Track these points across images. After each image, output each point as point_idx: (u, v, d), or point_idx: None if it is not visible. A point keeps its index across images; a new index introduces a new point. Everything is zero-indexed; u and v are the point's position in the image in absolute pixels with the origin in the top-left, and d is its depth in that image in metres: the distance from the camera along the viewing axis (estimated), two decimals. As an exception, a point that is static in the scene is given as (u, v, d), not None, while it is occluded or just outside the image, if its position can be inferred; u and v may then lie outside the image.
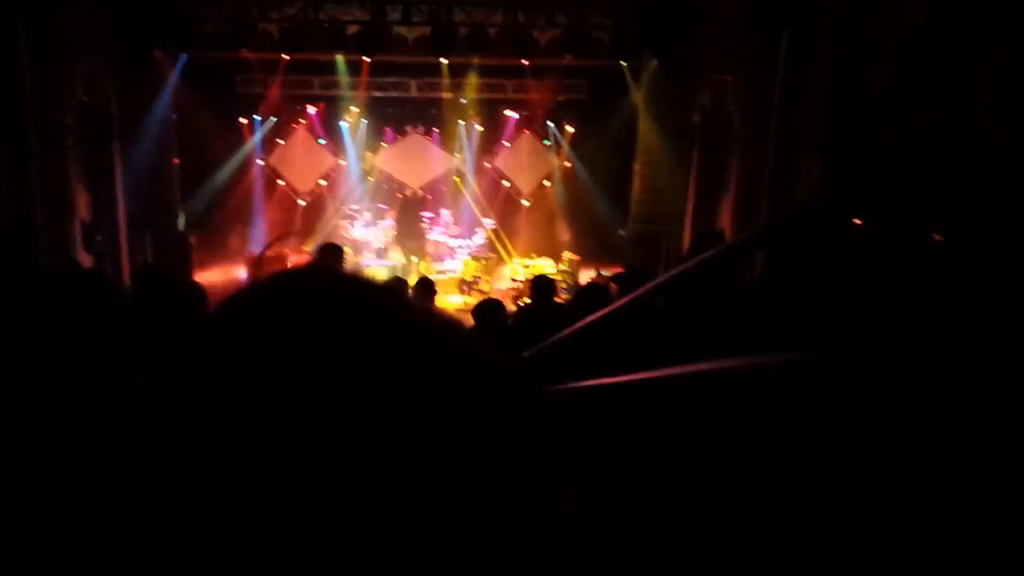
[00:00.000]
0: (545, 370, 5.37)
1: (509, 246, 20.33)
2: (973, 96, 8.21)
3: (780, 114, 12.68)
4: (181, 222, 15.80)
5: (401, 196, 20.27)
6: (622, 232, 18.08)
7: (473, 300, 16.89)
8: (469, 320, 7.27)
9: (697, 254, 4.99)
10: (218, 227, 18.08)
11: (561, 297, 10.36)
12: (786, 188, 13.08)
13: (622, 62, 17.05)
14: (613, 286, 6.94)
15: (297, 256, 17.68)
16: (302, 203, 19.78)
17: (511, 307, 16.14)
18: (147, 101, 14.98)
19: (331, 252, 6.82)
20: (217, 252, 17.91)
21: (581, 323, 4.21)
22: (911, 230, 8.63)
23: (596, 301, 6.19)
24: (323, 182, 19.82)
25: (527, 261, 18.74)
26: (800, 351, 1.62)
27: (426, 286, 6.76)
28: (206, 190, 17.38)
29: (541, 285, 8.09)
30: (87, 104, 12.79)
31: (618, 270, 17.72)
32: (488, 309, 7.48)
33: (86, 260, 12.82)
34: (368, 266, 17.95)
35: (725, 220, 15.03)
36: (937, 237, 10.20)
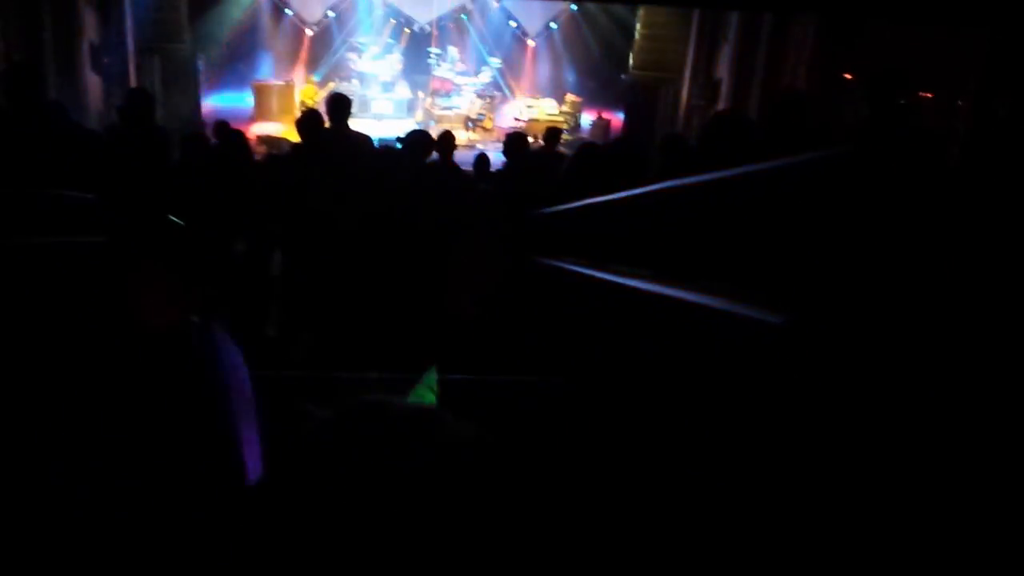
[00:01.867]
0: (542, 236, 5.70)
1: (513, 85, 20.50)
2: None
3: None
4: (189, 46, 15.89)
5: (408, 31, 20.28)
6: (624, 76, 18.20)
7: (477, 137, 17.23)
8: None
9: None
10: (226, 52, 18.20)
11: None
12: (780, 42, 13.26)
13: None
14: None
15: (304, 86, 17.87)
16: (309, 33, 19.78)
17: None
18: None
19: (339, 103, 7.03)
20: (224, 77, 18.12)
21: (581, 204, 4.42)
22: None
23: (592, 162, 6.59)
24: (331, 13, 19.75)
25: (530, 101, 18.94)
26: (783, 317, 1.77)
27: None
28: (214, 16, 17.42)
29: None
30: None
31: (616, 114, 17.99)
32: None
33: (94, 81, 13.13)
34: (374, 99, 18.19)
35: (723, 69, 15.20)
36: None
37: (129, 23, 14.16)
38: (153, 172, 6.13)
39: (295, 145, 7.64)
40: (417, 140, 6.98)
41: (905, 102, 11.19)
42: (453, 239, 6.49)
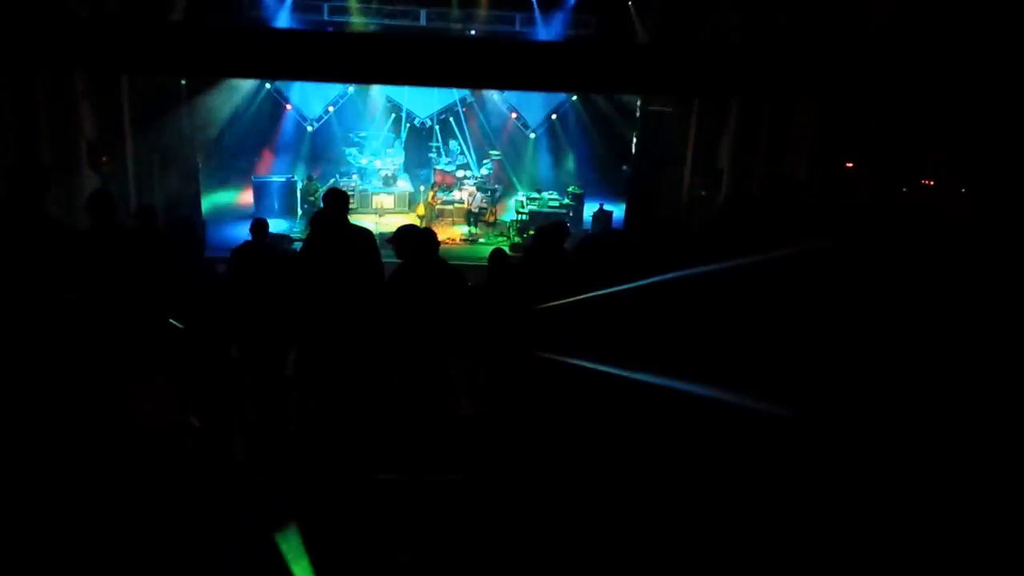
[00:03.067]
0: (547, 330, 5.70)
1: (515, 178, 20.54)
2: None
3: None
4: (188, 143, 15.94)
5: (409, 125, 20.36)
6: (625, 167, 18.20)
7: (479, 231, 17.18)
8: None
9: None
10: (226, 149, 18.25)
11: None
12: (781, 130, 13.24)
13: (628, 1, 17.05)
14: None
15: (304, 182, 17.91)
16: (310, 128, 19.87)
17: (517, 239, 16.48)
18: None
19: (336, 198, 7.01)
20: (225, 173, 18.17)
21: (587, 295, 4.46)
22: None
23: (596, 252, 6.54)
24: (331, 109, 19.87)
25: (532, 193, 18.93)
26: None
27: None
28: (214, 112, 17.52)
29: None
30: (94, 24, 12.90)
31: (618, 205, 17.97)
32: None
33: (92, 179, 13.06)
34: (375, 194, 18.21)
35: (725, 158, 15.17)
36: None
37: (127, 120, 14.14)
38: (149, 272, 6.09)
39: (303, 242, 7.59)
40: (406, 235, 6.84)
41: (907, 190, 11.14)
42: (452, 336, 6.43)
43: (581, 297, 4.79)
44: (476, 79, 13.40)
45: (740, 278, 2.63)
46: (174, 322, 5.94)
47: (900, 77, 10.20)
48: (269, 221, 7.91)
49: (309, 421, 6.69)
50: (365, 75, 12.76)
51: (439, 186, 18.48)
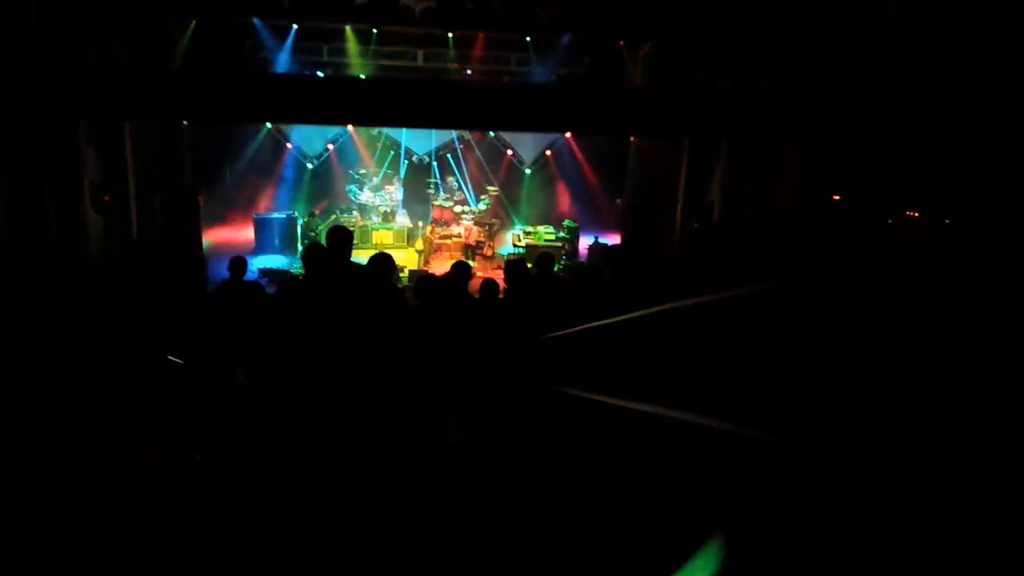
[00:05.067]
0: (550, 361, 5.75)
1: (512, 212, 20.82)
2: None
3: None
4: (190, 182, 16.17)
5: (407, 161, 20.70)
6: (619, 200, 18.44)
7: (477, 264, 17.35)
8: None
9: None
10: (227, 187, 18.51)
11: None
12: (770, 164, 13.48)
13: (620, 41, 17.42)
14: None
15: (305, 219, 18.12)
16: (310, 166, 20.20)
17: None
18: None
19: (340, 236, 7.16)
20: (226, 211, 18.40)
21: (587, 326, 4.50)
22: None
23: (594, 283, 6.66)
24: (331, 146, 20.22)
25: (528, 228, 19.19)
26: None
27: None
28: (215, 151, 17.80)
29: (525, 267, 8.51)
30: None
31: (612, 239, 18.18)
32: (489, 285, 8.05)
33: (95, 220, 13.30)
34: (375, 229, 18.44)
35: (716, 192, 15.42)
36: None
37: (130, 160, 14.39)
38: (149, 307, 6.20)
39: (302, 278, 7.71)
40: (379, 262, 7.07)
41: (892, 221, 11.37)
42: (451, 367, 6.52)
43: (579, 328, 4.83)
44: (469, 121, 13.64)
45: (720, 311, 2.71)
46: (173, 358, 6.02)
47: (881, 116, 10.44)
48: (272, 257, 8.11)
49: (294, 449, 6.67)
50: (368, 119, 12.99)
51: (437, 221, 18.73)
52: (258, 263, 16.03)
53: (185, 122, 15.79)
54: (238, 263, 8.31)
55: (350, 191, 19.27)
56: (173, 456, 5.69)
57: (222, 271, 8.65)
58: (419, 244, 18.10)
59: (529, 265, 11.53)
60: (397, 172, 20.34)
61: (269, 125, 18.94)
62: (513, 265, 8.21)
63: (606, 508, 3.44)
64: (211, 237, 17.06)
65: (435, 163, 20.59)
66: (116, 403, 5.10)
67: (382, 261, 7.13)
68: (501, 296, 8.33)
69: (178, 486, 5.29)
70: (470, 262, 17.22)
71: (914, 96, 10.17)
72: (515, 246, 18.16)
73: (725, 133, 13.52)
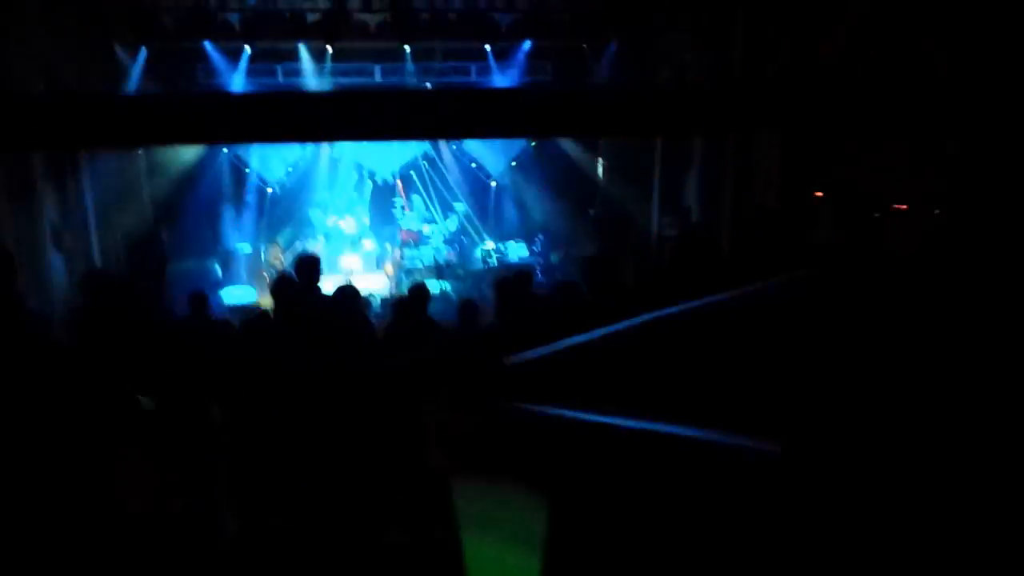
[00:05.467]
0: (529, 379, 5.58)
1: (482, 228, 20.47)
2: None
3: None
4: (151, 217, 15.81)
5: (372, 183, 20.28)
6: (591, 211, 18.21)
7: (448, 285, 17.07)
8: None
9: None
10: (189, 219, 18.07)
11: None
12: (747, 163, 13.27)
13: (583, 44, 17.16)
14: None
15: (269, 247, 17.75)
16: (270, 191, 19.71)
17: (485, 291, 16.37)
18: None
19: (308, 265, 6.98)
20: (190, 244, 17.94)
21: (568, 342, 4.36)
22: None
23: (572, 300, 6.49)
24: (291, 170, 19.75)
25: (499, 244, 18.88)
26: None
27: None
28: (174, 184, 17.37)
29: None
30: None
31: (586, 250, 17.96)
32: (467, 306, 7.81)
33: (56, 259, 12.87)
34: (342, 255, 18.07)
35: (692, 196, 15.20)
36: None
37: (89, 198, 13.97)
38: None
39: (270, 312, 7.52)
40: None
41: (878, 216, 11.17)
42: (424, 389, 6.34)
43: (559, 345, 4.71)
44: (436, 129, 13.34)
45: (706, 318, 2.66)
46: (143, 400, 5.79)
47: (857, 105, 10.26)
48: (239, 289, 7.94)
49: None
50: (333, 133, 12.67)
51: (405, 243, 18.41)
52: (224, 295, 15.58)
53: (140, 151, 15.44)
54: (199, 298, 8.13)
55: (314, 216, 18.88)
56: (157, 504, 5.44)
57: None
58: (388, 268, 17.80)
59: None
60: (361, 194, 19.95)
61: (226, 150, 18.49)
62: (503, 284, 7.91)
63: (599, 529, 3.33)
64: (176, 270, 16.61)
65: (399, 183, 20.20)
66: (94, 452, 4.88)
67: (351, 292, 6.90)
68: (480, 317, 8.09)
69: (164, 535, 5.08)
70: (445, 284, 17.08)
71: (891, 80, 10.00)
72: (485, 263, 17.89)
73: (698, 130, 13.35)
